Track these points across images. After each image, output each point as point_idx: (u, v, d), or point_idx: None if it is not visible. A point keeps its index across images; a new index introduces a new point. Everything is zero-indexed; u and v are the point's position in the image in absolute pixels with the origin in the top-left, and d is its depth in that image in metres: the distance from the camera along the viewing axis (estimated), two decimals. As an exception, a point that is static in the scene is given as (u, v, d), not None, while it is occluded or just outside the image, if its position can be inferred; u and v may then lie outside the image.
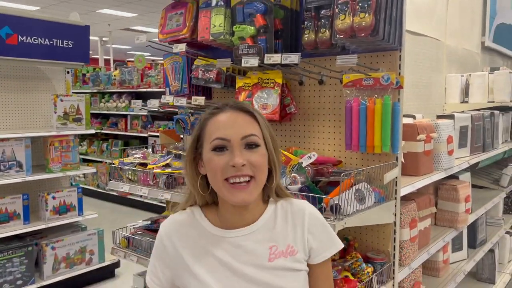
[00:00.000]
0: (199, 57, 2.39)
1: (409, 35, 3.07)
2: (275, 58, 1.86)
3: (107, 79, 7.50)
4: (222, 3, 2.24)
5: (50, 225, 3.94)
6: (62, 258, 3.98)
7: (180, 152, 2.55)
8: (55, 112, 3.96)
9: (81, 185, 7.56)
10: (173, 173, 2.22)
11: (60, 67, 4.33)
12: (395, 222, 2.04)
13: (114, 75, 7.39)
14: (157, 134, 6.60)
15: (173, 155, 2.41)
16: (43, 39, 3.92)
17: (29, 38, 3.83)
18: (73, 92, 7.87)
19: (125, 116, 7.41)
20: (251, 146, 1.13)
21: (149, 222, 2.51)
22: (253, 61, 1.92)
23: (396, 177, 2.00)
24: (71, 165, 4.09)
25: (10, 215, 3.77)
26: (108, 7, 12.04)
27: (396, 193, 2.02)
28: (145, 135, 6.98)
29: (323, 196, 1.68)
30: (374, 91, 1.93)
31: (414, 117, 2.89)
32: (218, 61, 2.04)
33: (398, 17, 1.90)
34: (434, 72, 3.47)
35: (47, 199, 3.93)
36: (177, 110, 2.54)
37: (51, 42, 3.98)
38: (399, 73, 1.98)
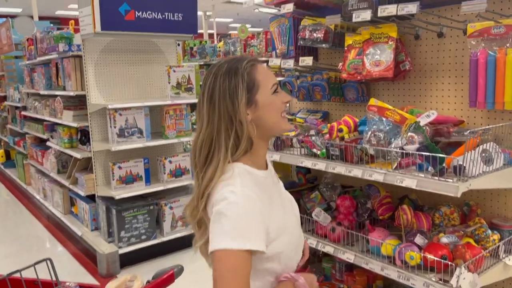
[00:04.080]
0: (306, 17, 2.34)
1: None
2: (390, 9, 1.74)
3: (212, 51, 7.79)
4: (331, -42, 2.15)
5: (168, 186, 4.28)
6: (179, 217, 4.32)
7: (287, 116, 2.56)
8: (169, 82, 4.23)
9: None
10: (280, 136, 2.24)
11: (172, 39, 4.58)
12: (527, 187, 1.84)
13: (219, 47, 7.63)
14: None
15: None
16: (156, 13, 4.16)
17: (144, 13, 4.09)
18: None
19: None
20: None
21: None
22: (365, 15, 1.82)
23: (530, 137, 1.79)
24: (184, 131, 4.36)
25: (134, 177, 4.18)
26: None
27: (529, 155, 1.81)
28: (250, 104, 7.15)
29: (444, 156, 1.56)
30: (505, 40, 1.72)
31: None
32: (327, 18, 1.98)
33: (538, -48, 1.65)
34: None
35: (164, 163, 4.26)
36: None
37: (163, 16, 4.21)
38: (538, 18, 1.73)
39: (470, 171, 1.57)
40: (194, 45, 8.37)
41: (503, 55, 1.70)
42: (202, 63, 8.14)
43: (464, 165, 1.56)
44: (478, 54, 1.76)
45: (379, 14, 1.79)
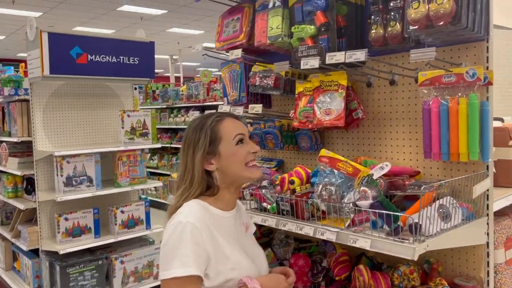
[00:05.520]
0: (256, 63, 2.25)
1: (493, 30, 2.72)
2: (338, 57, 1.66)
3: (175, 95, 7.68)
4: (279, 4, 2.08)
5: (120, 238, 3.98)
6: (131, 272, 4.00)
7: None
8: (123, 128, 4.03)
9: (152, 198, 7.75)
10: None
11: (128, 83, 4.43)
12: (487, 243, 1.72)
13: (182, 91, 7.54)
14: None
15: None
16: (110, 57, 4.02)
17: (97, 56, 3.95)
18: (144, 108, 8.23)
19: (192, 130, 7.51)
20: (250, 137, 1.51)
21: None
22: (313, 62, 1.73)
23: (488, 190, 1.70)
24: (138, 179, 4.12)
25: (82, 229, 3.86)
26: (177, 26, 12.50)
27: (488, 209, 1.71)
28: (212, 148, 6.99)
29: (399, 214, 1.43)
30: (456, 89, 1.66)
31: (502, 120, 2.54)
32: (276, 65, 1.88)
33: (484, 1, 1.62)
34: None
35: (116, 213, 3.98)
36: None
37: (118, 60, 4.08)
38: (487, 67, 1.68)
39: (426, 229, 1.45)
40: (157, 88, 8.27)
41: (455, 105, 1.63)
42: (164, 106, 8.01)
43: (420, 223, 1.44)
44: (430, 103, 1.68)
45: (327, 61, 1.71)
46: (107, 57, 4.01)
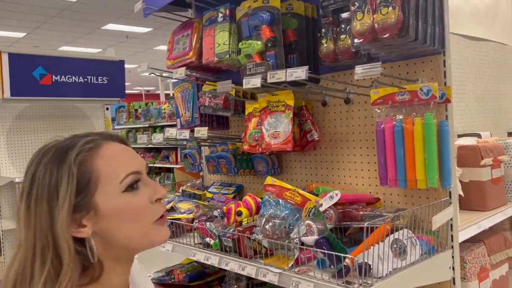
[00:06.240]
0: (206, 82, 2.09)
1: (468, 41, 2.58)
2: (279, 75, 1.49)
3: (157, 113, 7.52)
4: (227, 18, 1.93)
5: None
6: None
7: (196, 191, 2.24)
8: (90, 150, 3.86)
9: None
10: (178, 219, 1.89)
11: (97, 104, 4.27)
12: (453, 279, 1.54)
13: (164, 109, 7.39)
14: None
15: (177, 196, 2.09)
16: (77, 77, 3.87)
17: (63, 77, 3.79)
18: (127, 128, 8.06)
19: (175, 148, 7.34)
20: (148, 173, 0.96)
21: (162, 274, 2.19)
22: (255, 81, 1.57)
23: (451, 219, 1.52)
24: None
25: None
26: (164, 44, 12.41)
27: (452, 240, 1.53)
28: (196, 167, 6.81)
29: (341, 255, 1.24)
30: (412, 108, 1.49)
31: (479, 135, 2.37)
32: (219, 84, 1.72)
33: (438, 11, 1.47)
34: (502, 82, 2.89)
35: (83, 241, 3.78)
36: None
37: (85, 80, 3.93)
38: (445, 83, 1.52)
39: (377, 270, 1.26)
40: (140, 106, 8.11)
41: (410, 125, 1.46)
42: (147, 125, 7.85)
43: (370, 263, 1.25)
44: (384, 123, 1.51)
45: (268, 80, 1.54)
46: (74, 77, 3.86)
